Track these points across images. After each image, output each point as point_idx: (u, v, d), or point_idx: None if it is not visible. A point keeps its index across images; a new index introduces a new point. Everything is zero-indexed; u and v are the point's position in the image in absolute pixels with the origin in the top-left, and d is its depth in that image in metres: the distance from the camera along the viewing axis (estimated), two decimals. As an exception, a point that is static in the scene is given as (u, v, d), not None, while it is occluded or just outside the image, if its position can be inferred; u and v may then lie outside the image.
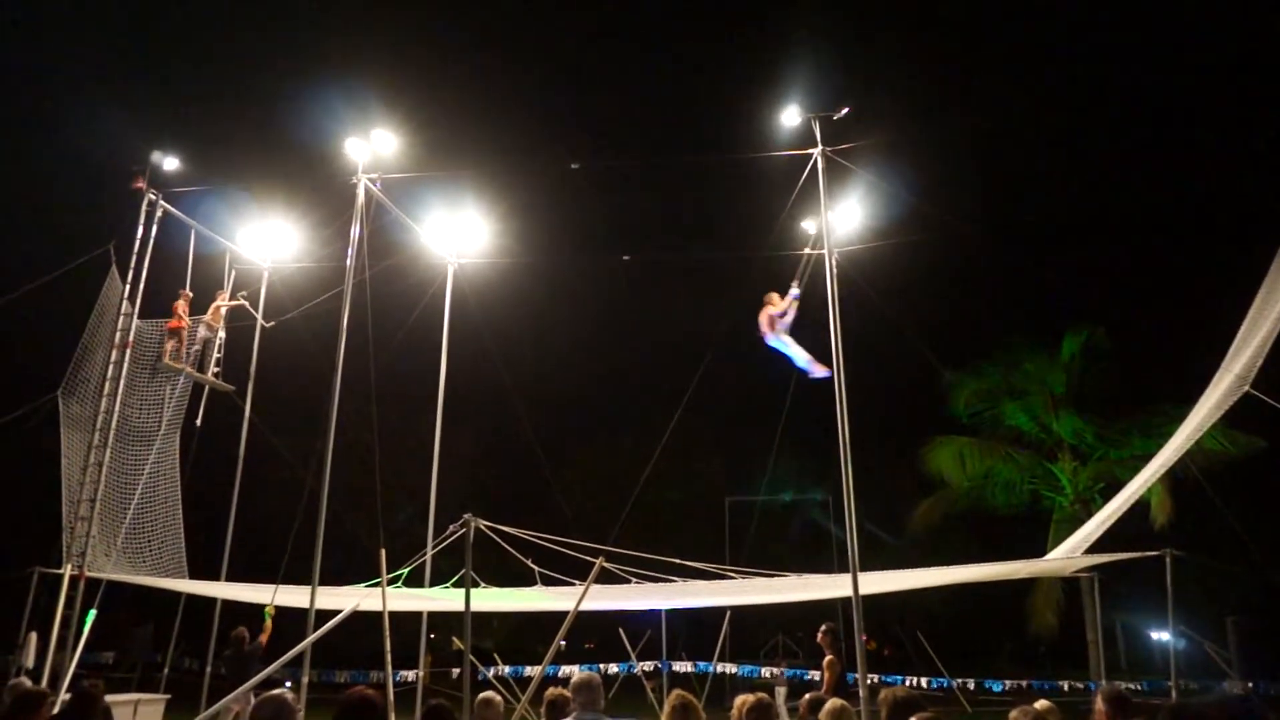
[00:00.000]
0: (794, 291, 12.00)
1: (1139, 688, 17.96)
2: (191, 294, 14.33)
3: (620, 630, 20.30)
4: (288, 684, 11.99)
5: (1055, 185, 38.98)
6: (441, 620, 19.66)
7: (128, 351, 12.72)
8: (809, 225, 12.28)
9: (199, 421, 14.75)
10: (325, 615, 9.39)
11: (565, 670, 17.11)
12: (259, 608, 13.06)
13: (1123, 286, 31.65)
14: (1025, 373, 22.13)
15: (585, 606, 9.14)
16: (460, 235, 14.77)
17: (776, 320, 11.92)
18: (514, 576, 12.42)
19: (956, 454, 22.19)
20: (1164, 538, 16.16)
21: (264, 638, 12.48)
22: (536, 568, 11.14)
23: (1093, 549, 11.02)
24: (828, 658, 10.44)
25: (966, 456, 22.03)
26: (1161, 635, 31.52)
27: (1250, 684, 15.32)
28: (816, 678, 16.40)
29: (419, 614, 14.36)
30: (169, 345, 13.81)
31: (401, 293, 15.02)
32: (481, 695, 6.45)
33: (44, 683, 10.38)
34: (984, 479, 22.08)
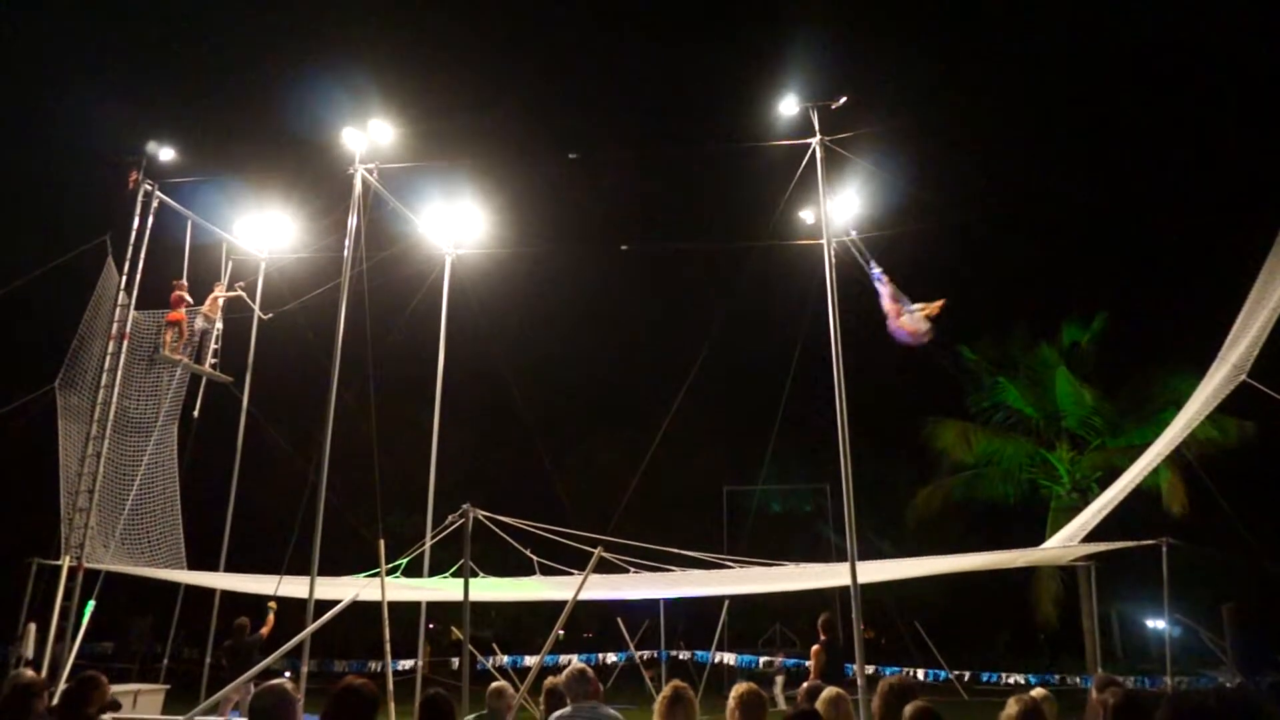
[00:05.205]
0: (875, 273, 11.53)
1: (1133, 682, 18.03)
2: (188, 285, 14.30)
3: (619, 620, 20.37)
4: (287, 674, 12.04)
5: (1055, 170, 38.96)
6: (440, 610, 19.71)
7: (124, 342, 12.70)
8: (807, 215, 12.24)
9: (196, 413, 14.75)
10: (324, 605, 9.42)
11: (564, 659, 17.15)
12: (257, 598, 13.10)
13: (1125, 272, 31.70)
14: (1032, 359, 22.21)
15: (584, 596, 9.15)
16: (458, 225, 14.74)
17: (900, 311, 11.29)
18: (513, 566, 12.44)
19: (962, 433, 22.34)
20: (1161, 526, 16.21)
21: (266, 630, 12.53)
22: (535, 557, 11.16)
23: (1089, 538, 11.05)
24: (814, 646, 10.50)
25: (972, 436, 22.19)
26: (1158, 624, 31.64)
27: (1245, 672, 15.37)
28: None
29: (418, 604, 14.40)
30: (167, 336, 13.79)
31: (399, 283, 15.01)
32: (493, 685, 6.51)
33: (44, 673, 10.40)
34: (986, 464, 22.20)
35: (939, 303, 11.35)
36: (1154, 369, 21.14)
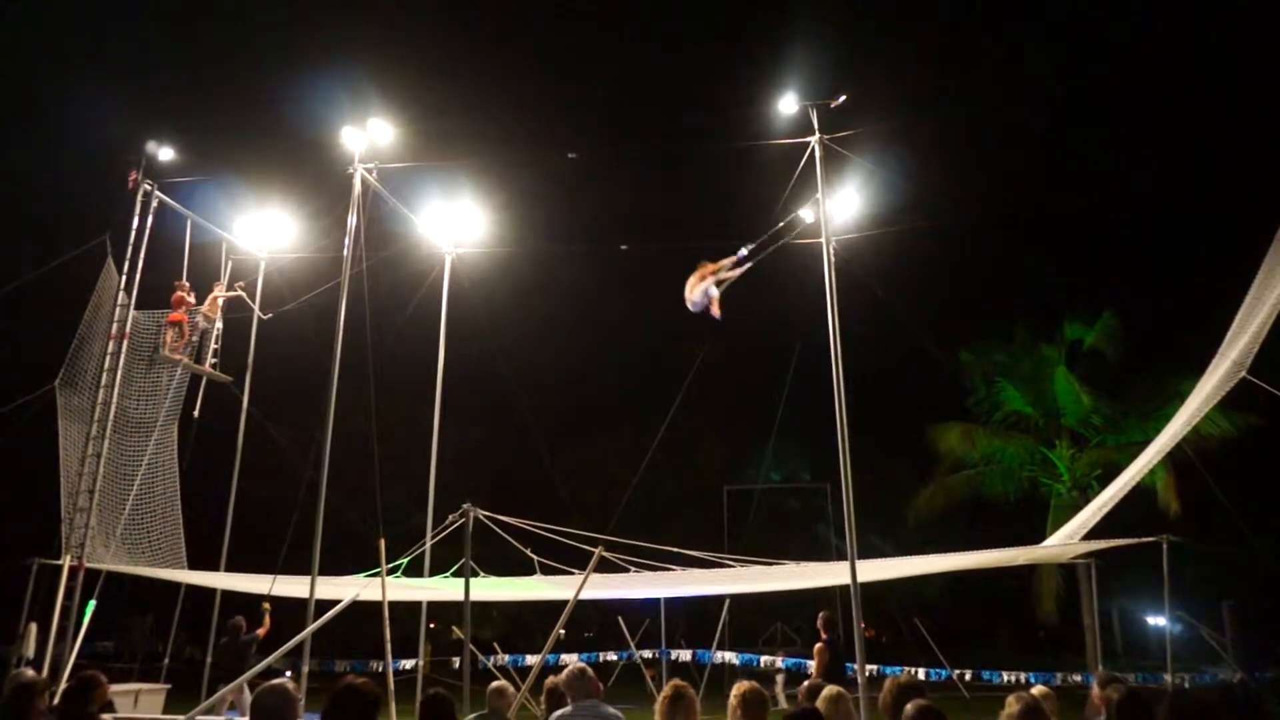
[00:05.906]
0: (741, 252, 11.77)
1: (1134, 679, 18.01)
2: (190, 285, 14.29)
3: (619, 619, 20.37)
4: (288, 673, 12.04)
5: (1055, 169, 38.98)
6: (441, 610, 19.73)
7: (124, 342, 12.70)
8: (806, 214, 12.22)
9: (197, 412, 14.74)
10: (325, 605, 9.42)
11: (565, 659, 17.16)
12: (258, 598, 13.10)
13: (1125, 270, 31.71)
14: (1033, 357, 22.23)
15: (584, 595, 9.16)
16: (457, 225, 14.74)
17: (707, 278, 11.55)
18: (513, 566, 12.44)
19: (966, 433, 22.39)
20: (1162, 523, 16.20)
21: (262, 631, 12.53)
22: (536, 557, 11.16)
23: (1090, 535, 11.04)
24: (817, 645, 10.50)
25: (976, 436, 22.25)
26: (1158, 621, 31.67)
27: (1246, 669, 15.36)
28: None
29: (419, 604, 14.41)
30: (168, 335, 13.78)
31: (399, 283, 15.00)
32: (494, 685, 6.52)
33: (44, 673, 10.39)
34: (986, 463, 22.24)
35: (717, 310, 11.61)
36: (1154, 366, 21.16)
